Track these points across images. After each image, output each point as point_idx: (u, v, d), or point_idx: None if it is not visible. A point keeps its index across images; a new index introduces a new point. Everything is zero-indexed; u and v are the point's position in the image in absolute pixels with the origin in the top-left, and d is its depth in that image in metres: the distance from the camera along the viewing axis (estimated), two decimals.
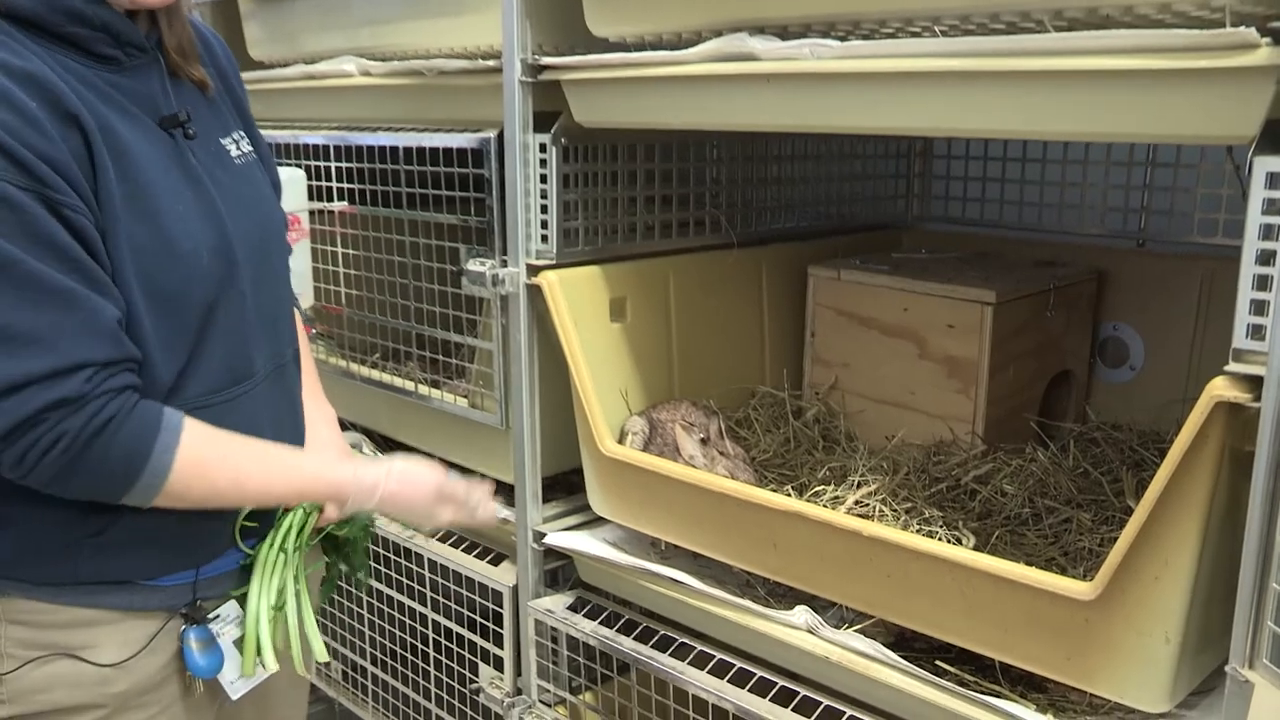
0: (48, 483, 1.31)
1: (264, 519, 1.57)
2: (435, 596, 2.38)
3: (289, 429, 1.61)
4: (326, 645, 2.68)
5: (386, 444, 2.64)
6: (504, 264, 2.04)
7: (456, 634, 2.36)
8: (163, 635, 1.50)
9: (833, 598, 1.72)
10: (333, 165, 2.39)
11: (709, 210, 2.34)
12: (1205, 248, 2.24)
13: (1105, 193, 2.38)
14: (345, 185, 2.39)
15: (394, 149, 2.27)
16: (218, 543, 1.54)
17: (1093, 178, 2.40)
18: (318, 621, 1.63)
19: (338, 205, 2.40)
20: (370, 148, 2.32)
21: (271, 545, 1.57)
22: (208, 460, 1.38)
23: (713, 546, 1.85)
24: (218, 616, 1.54)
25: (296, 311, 1.72)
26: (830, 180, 2.63)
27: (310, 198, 2.41)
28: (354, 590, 1.77)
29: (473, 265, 2.05)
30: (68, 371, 1.26)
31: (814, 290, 2.34)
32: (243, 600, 1.56)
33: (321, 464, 1.54)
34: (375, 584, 2.53)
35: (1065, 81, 1.35)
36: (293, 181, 2.33)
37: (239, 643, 1.55)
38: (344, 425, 2.63)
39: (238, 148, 1.55)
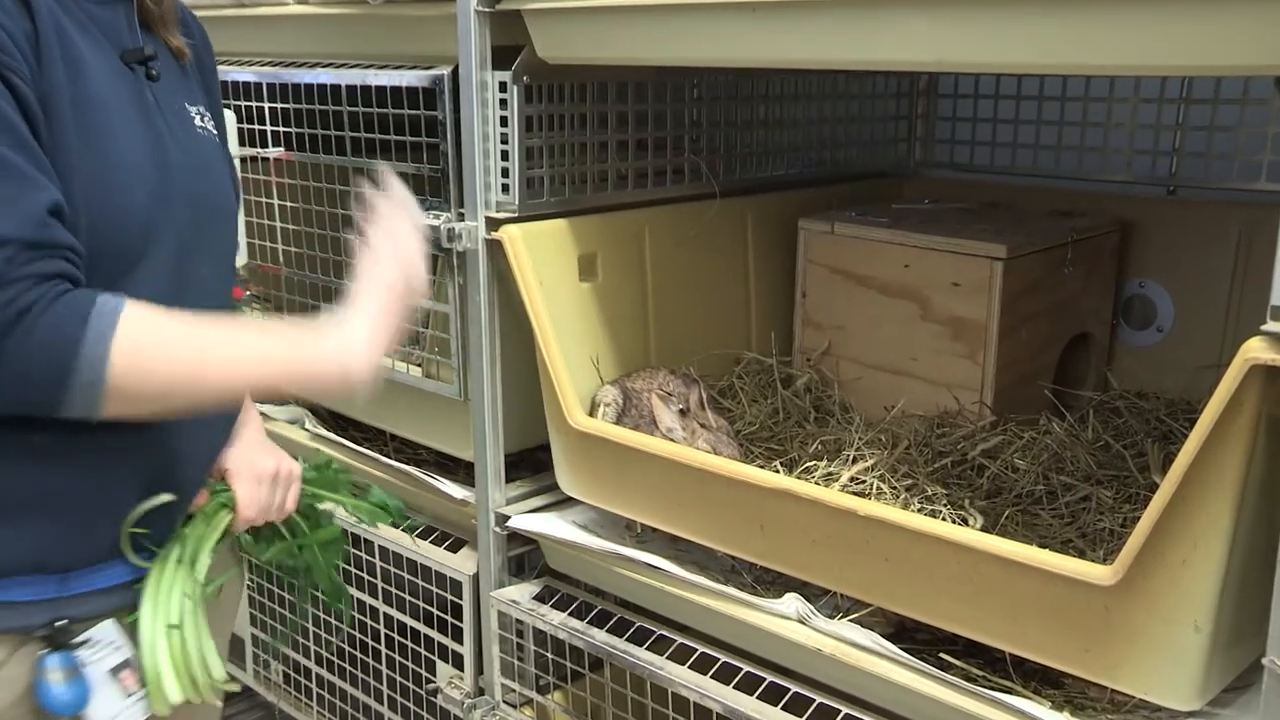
0: None
1: (159, 524, 1.46)
2: (387, 587, 2.37)
3: (214, 426, 1.56)
4: (265, 643, 2.69)
5: (332, 419, 2.64)
6: (460, 217, 2.03)
7: (411, 629, 2.35)
8: (12, 664, 1.35)
9: (826, 584, 1.73)
10: (266, 106, 2.37)
11: (688, 157, 2.33)
12: (1244, 194, 2.23)
13: (1132, 133, 2.37)
14: (281, 129, 2.37)
15: (335, 88, 2.25)
16: (95, 542, 1.40)
17: (1117, 117, 2.39)
18: (282, 630, 1.55)
19: (273, 152, 2.38)
20: (308, 86, 2.30)
21: (169, 559, 1.47)
22: (156, 345, 1.25)
23: (694, 529, 1.85)
24: (88, 641, 1.40)
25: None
26: (823, 123, 2.62)
27: (241, 143, 2.38)
28: (296, 584, 1.73)
29: (425, 219, 2.03)
30: None
31: (805, 245, 2.33)
32: (126, 620, 1.45)
33: (297, 337, 1.37)
34: None
35: (1086, 6, 1.33)
36: None
37: (116, 671, 1.43)
38: (283, 399, 2.63)
39: (202, 120, 1.55)
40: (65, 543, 1.38)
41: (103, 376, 1.22)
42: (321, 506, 1.71)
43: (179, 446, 1.46)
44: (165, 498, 1.43)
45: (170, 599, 1.45)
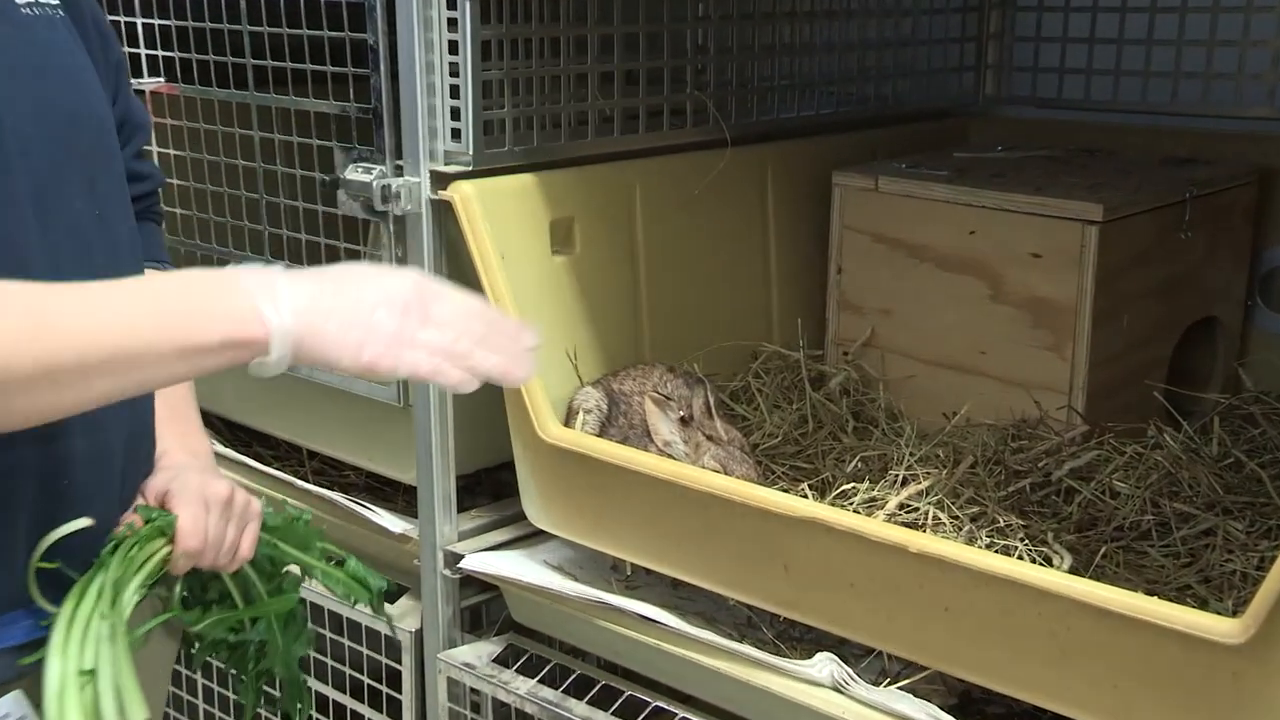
0: None
1: (72, 555, 1.46)
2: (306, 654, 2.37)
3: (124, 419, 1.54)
4: None
5: (229, 431, 2.64)
6: (398, 171, 2.03)
7: (335, 702, 2.35)
8: None
9: (869, 641, 1.73)
10: (139, 22, 2.36)
11: (691, 93, 2.32)
12: None
13: (1277, 55, 2.36)
14: (163, 54, 2.36)
15: (233, 1, 2.23)
16: None
17: (1259, 32, 2.37)
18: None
19: (149, 83, 2.37)
20: (199, 0, 2.29)
21: (86, 591, 1.47)
22: (29, 300, 1.24)
23: (698, 570, 1.85)
24: None
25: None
26: (865, 48, 2.62)
27: None
28: (237, 671, 1.71)
29: (353, 173, 2.04)
30: None
31: (842, 206, 2.33)
32: (33, 684, 1.46)
33: (206, 282, 1.31)
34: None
35: None
36: None
37: None
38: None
39: None
40: None
41: None
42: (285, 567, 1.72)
43: (74, 476, 1.45)
44: (83, 522, 1.43)
45: (84, 640, 1.44)
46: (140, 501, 1.55)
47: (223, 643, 1.67)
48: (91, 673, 1.44)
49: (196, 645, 1.67)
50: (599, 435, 1.99)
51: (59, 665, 1.43)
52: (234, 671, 1.69)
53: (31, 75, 1.44)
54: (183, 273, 1.35)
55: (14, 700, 1.45)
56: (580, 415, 2.01)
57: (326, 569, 1.72)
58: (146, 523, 1.52)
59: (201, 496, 1.55)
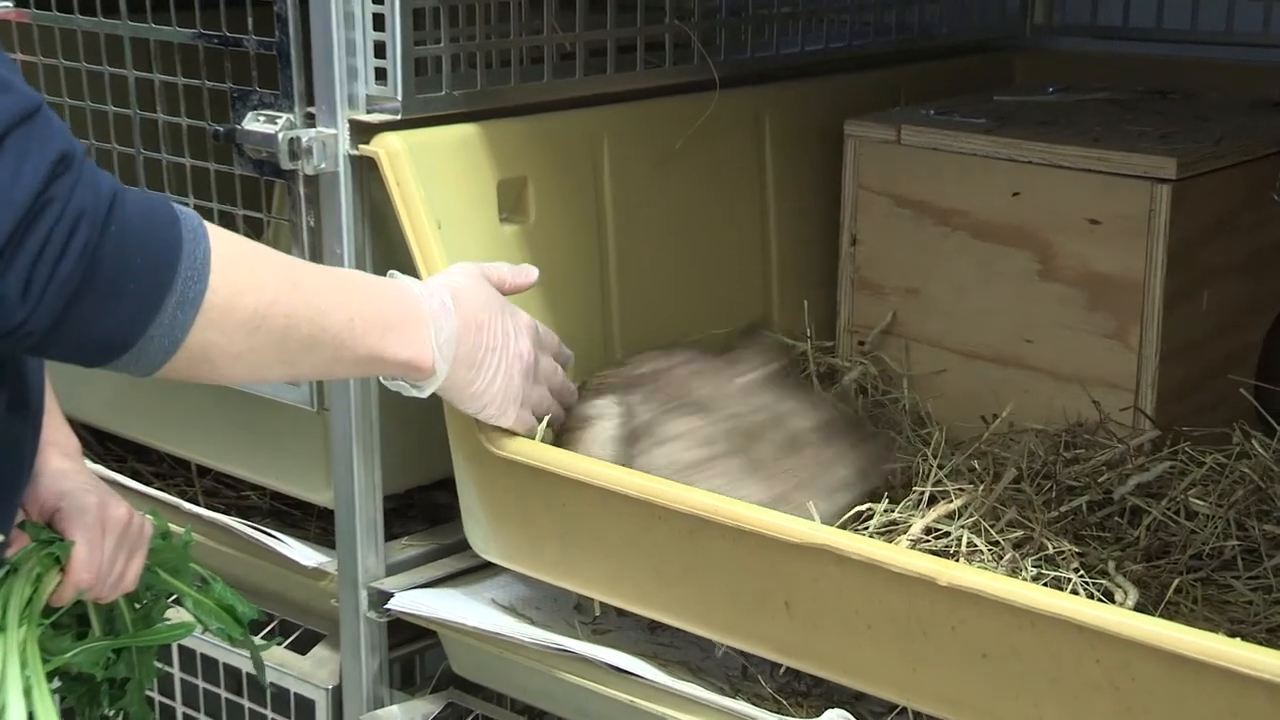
0: (61, 313, 1.36)
1: None
2: (192, 714, 2.38)
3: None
4: None
5: (106, 445, 2.63)
6: (309, 121, 2.04)
7: None
8: None
9: (889, 695, 1.74)
10: None
11: (671, 23, 2.33)
12: None
13: None
14: None
15: None
16: None
17: None
18: None
19: None
20: None
21: None
22: (243, 250, 1.53)
23: (681, 610, 1.86)
24: None
25: None
26: None
27: None
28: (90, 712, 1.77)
29: (253, 123, 2.05)
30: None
31: (856, 162, 2.35)
32: None
33: (395, 294, 1.73)
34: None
35: None
36: None
37: None
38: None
39: None
40: None
41: (205, 276, 1.45)
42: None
43: None
44: None
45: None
46: (23, 517, 1.60)
47: (80, 679, 1.72)
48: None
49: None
50: (624, 452, 1.96)
51: None
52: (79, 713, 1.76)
53: None
54: (376, 278, 1.78)
55: None
56: (595, 426, 1.98)
57: (199, 597, 1.82)
58: (36, 542, 1.59)
59: (100, 522, 1.63)
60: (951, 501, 1.98)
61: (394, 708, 2.15)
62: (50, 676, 1.69)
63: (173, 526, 1.85)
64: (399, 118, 2.00)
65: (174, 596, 1.81)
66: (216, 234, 1.48)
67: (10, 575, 1.56)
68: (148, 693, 1.79)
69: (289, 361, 1.59)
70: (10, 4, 2.35)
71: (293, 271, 1.58)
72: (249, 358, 1.52)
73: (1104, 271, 2.12)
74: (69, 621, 1.67)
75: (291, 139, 2.01)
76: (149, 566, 1.73)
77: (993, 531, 1.91)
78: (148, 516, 1.74)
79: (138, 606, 1.75)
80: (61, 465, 1.71)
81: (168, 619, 1.79)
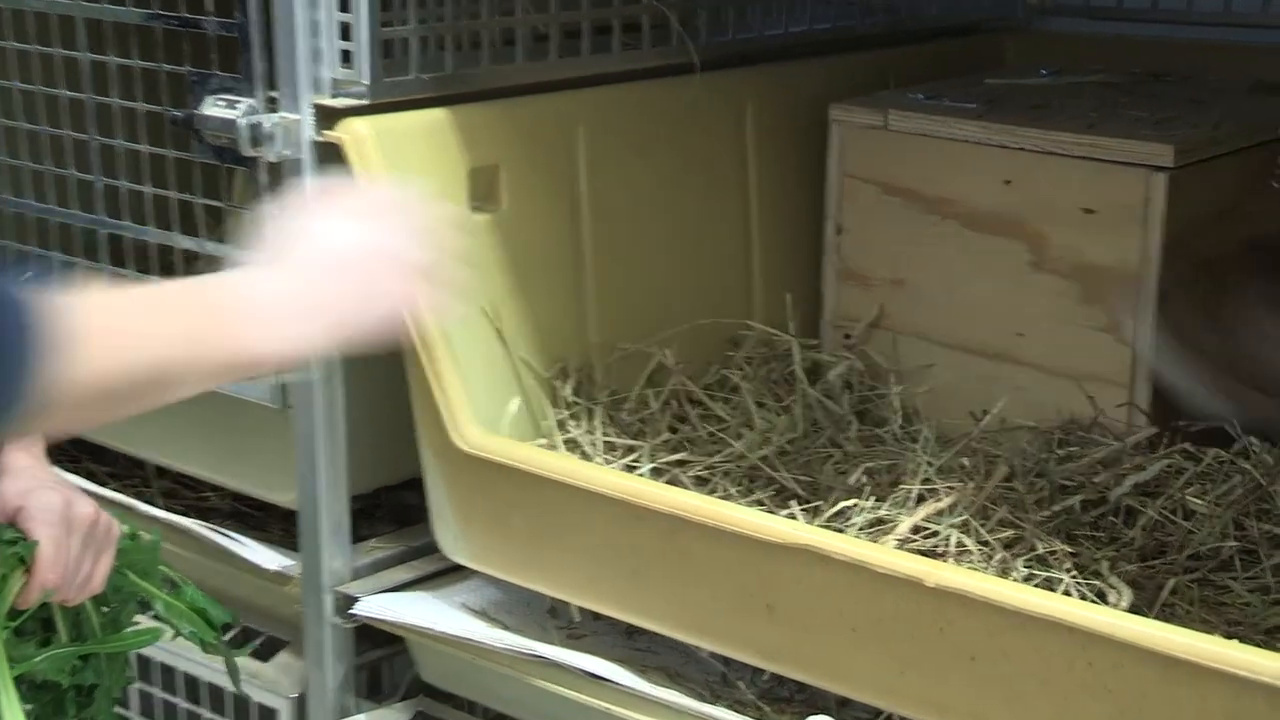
0: None
1: None
2: None
3: None
4: None
5: (61, 447, 2.60)
6: (271, 105, 2.04)
7: None
8: None
9: (875, 701, 1.75)
10: None
11: (648, 3, 2.33)
12: None
13: None
14: None
15: None
16: None
17: None
18: None
19: None
20: None
21: None
22: (104, 301, 1.35)
23: (660, 613, 1.87)
24: None
25: None
26: None
27: None
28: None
29: (213, 108, 2.05)
30: None
31: (842, 148, 2.35)
32: None
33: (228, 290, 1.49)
34: None
35: None
36: None
37: None
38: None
39: None
40: None
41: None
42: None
43: None
44: None
45: None
46: None
47: (45, 687, 1.71)
48: None
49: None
50: None
51: None
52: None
53: None
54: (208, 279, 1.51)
55: None
56: None
57: (171, 600, 1.81)
58: (1, 542, 1.59)
59: (65, 520, 1.63)
60: (940, 500, 1.98)
61: (360, 717, 2.15)
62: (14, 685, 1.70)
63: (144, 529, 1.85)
64: (366, 102, 2.00)
65: (143, 599, 1.81)
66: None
67: None
68: None
69: (163, 391, 1.45)
70: None
71: (159, 305, 1.43)
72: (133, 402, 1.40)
73: (1099, 263, 2.13)
74: (33, 627, 1.67)
75: (253, 124, 2.00)
76: (117, 568, 1.73)
77: (983, 531, 1.92)
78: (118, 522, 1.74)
79: (105, 611, 1.75)
80: (24, 462, 1.70)
81: (137, 624, 1.79)
